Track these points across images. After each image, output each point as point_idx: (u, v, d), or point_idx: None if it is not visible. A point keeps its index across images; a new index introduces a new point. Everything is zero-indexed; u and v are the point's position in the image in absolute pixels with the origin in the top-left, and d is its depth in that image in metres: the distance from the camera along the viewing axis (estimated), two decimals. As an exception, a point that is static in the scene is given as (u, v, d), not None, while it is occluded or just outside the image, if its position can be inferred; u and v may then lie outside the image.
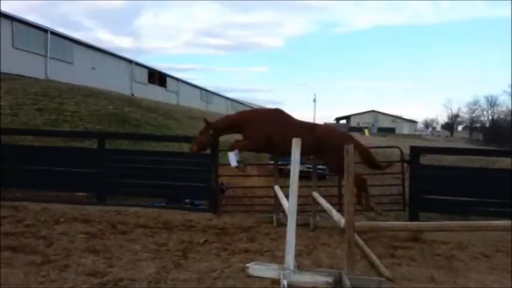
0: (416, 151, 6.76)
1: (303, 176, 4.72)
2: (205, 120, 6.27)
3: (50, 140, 10.80)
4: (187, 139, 7.73)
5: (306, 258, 4.50)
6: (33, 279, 3.57)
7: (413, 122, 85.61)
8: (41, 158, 7.48)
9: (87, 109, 16.44)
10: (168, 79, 42.74)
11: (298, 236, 4.09)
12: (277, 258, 4.31)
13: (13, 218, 5.71)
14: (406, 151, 7.10)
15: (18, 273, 3.67)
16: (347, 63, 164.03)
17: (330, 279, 3.57)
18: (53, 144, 9.99)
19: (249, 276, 3.77)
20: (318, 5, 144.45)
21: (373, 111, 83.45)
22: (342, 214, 3.96)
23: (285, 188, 4.65)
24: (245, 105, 61.97)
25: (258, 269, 3.81)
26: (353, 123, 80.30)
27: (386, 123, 79.12)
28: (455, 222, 4.46)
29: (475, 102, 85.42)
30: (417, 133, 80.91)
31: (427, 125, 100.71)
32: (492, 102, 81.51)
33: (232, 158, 5.91)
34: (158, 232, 5.44)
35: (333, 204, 5.11)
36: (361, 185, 5.71)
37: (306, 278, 3.59)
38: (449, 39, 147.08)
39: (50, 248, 4.47)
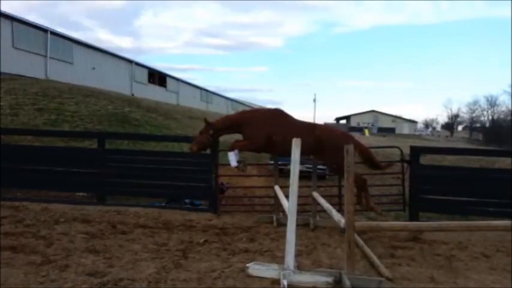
0: (416, 151, 6.76)
1: (303, 176, 4.74)
2: (205, 120, 6.27)
3: (50, 140, 10.81)
4: (187, 139, 7.73)
5: (306, 258, 4.49)
6: (33, 279, 3.57)
7: (413, 122, 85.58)
8: (41, 158, 7.47)
9: (87, 109, 16.45)
10: (168, 79, 42.76)
11: (298, 236, 4.10)
12: (277, 258, 4.30)
13: (13, 218, 5.71)
14: (406, 151, 7.09)
15: (18, 273, 3.67)
16: (347, 63, 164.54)
17: (330, 279, 3.57)
18: (53, 144, 10.01)
19: (249, 276, 3.77)
20: (317, 5, 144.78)
21: (373, 111, 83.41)
22: (342, 214, 3.95)
23: (285, 188, 4.65)
24: (245, 105, 62.03)
25: (258, 269, 3.81)
26: (353, 123, 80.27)
27: (386, 123, 79.05)
28: (455, 222, 4.45)
29: (475, 102, 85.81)
30: (417, 133, 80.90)
31: (427, 125, 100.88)
32: (492, 102, 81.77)
33: (232, 158, 5.91)
34: (158, 232, 5.44)
35: (333, 204, 5.10)
36: (361, 185, 5.71)
37: (306, 278, 3.59)
38: (449, 39, 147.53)
39: (50, 248, 4.47)
